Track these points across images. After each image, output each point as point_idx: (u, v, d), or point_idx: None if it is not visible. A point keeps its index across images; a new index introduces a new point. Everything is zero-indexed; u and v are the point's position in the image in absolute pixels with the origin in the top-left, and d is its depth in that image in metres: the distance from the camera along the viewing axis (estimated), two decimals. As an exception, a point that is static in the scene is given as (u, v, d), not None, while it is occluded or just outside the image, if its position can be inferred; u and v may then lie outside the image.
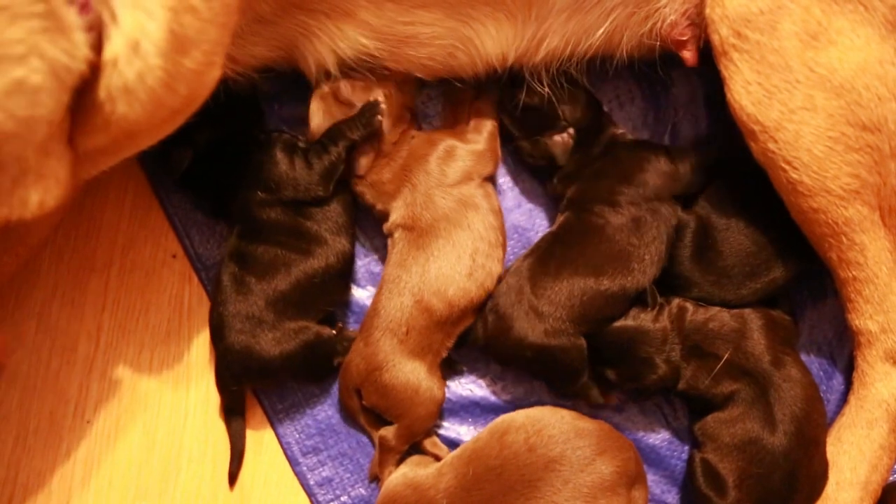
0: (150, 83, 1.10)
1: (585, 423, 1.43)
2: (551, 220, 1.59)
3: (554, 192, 1.55)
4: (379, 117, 1.47)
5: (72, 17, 0.99)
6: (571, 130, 1.50)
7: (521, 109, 1.51)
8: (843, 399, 1.51)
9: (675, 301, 1.47)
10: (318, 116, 1.52)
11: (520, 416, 1.44)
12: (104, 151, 1.21)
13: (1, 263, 1.49)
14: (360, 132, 1.47)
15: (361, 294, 1.59)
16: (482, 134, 1.53)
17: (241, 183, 1.50)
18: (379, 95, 1.50)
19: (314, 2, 1.38)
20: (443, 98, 1.61)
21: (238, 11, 1.23)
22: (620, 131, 1.55)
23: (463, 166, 1.50)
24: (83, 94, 1.07)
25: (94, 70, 1.05)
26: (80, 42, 1.01)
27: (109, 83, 1.07)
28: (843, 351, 1.55)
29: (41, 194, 1.08)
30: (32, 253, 1.54)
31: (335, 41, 1.42)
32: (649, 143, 1.55)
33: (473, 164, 1.51)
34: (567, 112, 1.50)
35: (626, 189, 1.47)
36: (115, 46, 1.06)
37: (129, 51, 1.07)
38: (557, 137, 1.50)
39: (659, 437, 1.54)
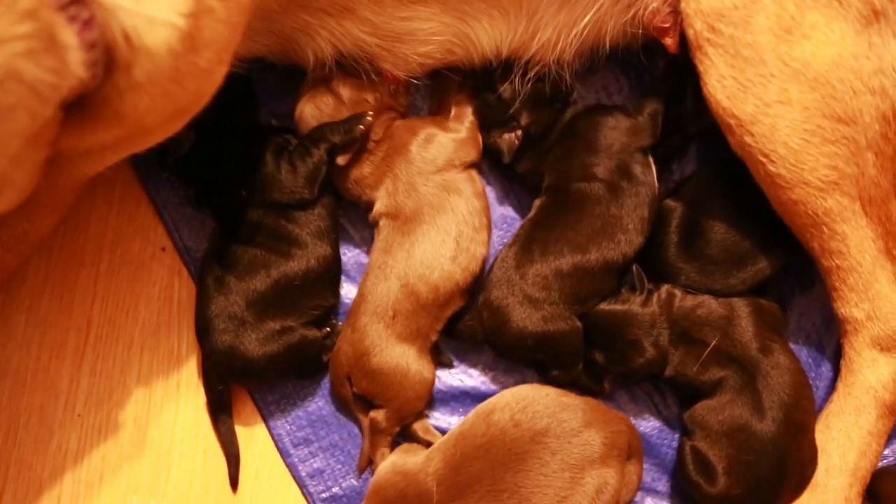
0: (162, 83, 1.11)
1: (571, 399, 1.44)
2: (539, 209, 1.59)
3: (528, 187, 1.57)
4: (361, 128, 1.48)
5: (68, 35, 0.99)
6: (519, 132, 1.51)
7: (486, 101, 1.53)
8: (832, 386, 1.51)
9: (664, 287, 1.47)
10: (303, 99, 1.53)
11: (505, 395, 1.46)
12: (110, 148, 1.22)
13: (3, 262, 1.49)
14: (341, 137, 1.49)
15: (351, 286, 1.59)
16: (464, 122, 1.54)
17: (228, 179, 1.51)
18: (368, 97, 1.52)
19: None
20: (431, 88, 1.62)
21: (250, 11, 1.24)
22: (569, 110, 1.55)
23: (444, 154, 1.51)
24: (90, 93, 1.07)
25: (87, 83, 1.05)
26: (74, 61, 1.01)
27: (119, 84, 1.08)
28: (832, 338, 1.56)
29: None
30: (33, 251, 1.54)
31: (335, 37, 1.43)
32: (602, 107, 1.56)
33: (455, 152, 1.52)
34: (523, 116, 1.51)
35: (596, 158, 1.48)
36: (128, 58, 1.06)
37: (145, 60, 1.07)
38: (506, 135, 1.52)
39: (649, 426, 1.55)
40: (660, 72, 1.57)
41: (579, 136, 1.51)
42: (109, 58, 1.05)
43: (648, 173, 1.49)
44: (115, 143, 1.21)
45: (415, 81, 1.54)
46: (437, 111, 1.60)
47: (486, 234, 1.52)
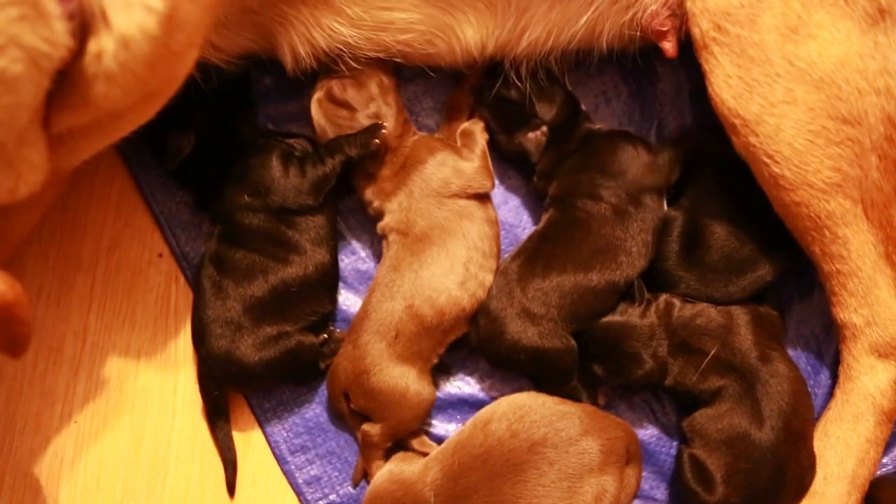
0: (133, 67, 1.10)
1: (568, 406, 1.43)
2: (538, 216, 1.58)
3: (536, 190, 1.56)
4: (377, 141, 1.46)
5: (52, 5, 1.00)
6: (545, 128, 1.50)
7: (499, 104, 1.51)
8: (831, 394, 1.51)
9: (663, 297, 1.47)
10: (320, 121, 1.51)
11: (502, 404, 1.45)
12: (84, 135, 1.21)
13: None
14: (357, 150, 1.47)
15: (348, 293, 1.58)
16: (475, 151, 1.52)
17: (229, 183, 1.50)
18: (372, 87, 1.50)
19: None
20: (444, 108, 1.60)
21: None
22: (597, 126, 1.55)
23: (458, 182, 1.49)
24: (62, 74, 1.08)
25: (74, 54, 1.06)
26: (60, 30, 1.01)
27: (91, 66, 1.08)
28: (831, 346, 1.55)
29: (12, 182, 1.09)
30: (14, 250, 1.53)
31: (311, 29, 1.41)
32: (625, 133, 1.55)
33: (470, 180, 1.50)
34: (543, 110, 1.50)
35: (606, 180, 1.47)
36: (103, 42, 1.07)
37: (119, 46, 1.07)
38: (531, 134, 1.51)
39: (648, 433, 1.55)
40: (680, 139, 1.55)
41: (596, 154, 1.50)
42: (84, 33, 1.05)
43: (658, 205, 1.48)
44: (86, 130, 1.21)
45: (396, 61, 1.50)
46: (448, 132, 1.58)
47: (495, 262, 1.50)
